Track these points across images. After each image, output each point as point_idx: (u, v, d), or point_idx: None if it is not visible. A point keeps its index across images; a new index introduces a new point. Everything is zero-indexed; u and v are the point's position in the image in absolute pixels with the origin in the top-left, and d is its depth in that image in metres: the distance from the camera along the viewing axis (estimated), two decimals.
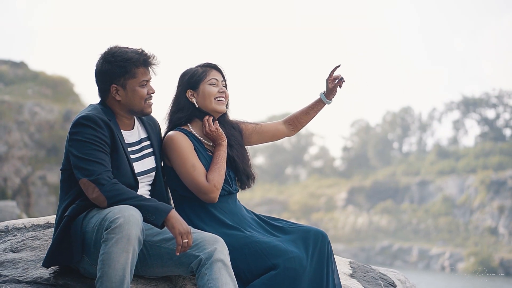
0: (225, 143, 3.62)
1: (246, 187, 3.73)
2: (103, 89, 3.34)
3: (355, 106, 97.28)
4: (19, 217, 17.47)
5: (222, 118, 3.74)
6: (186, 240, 3.05)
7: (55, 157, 23.71)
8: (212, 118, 3.65)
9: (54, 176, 23.29)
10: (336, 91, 3.82)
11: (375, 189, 50.84)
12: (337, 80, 3.81)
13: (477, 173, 45.81)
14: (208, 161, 3.58)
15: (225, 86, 3.72)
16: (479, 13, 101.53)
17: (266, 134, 3.88)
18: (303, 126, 3.93)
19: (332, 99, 3.86)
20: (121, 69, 3.28)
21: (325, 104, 3.86)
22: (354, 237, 46.83)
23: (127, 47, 3.34)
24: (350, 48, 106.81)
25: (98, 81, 3.35)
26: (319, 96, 3.87)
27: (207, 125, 3.61)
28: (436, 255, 41.37)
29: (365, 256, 42.75)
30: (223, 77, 3.72)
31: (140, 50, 3.32)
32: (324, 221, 47.84)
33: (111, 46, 3.35)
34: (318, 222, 46.92)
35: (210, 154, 3.63)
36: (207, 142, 3.65)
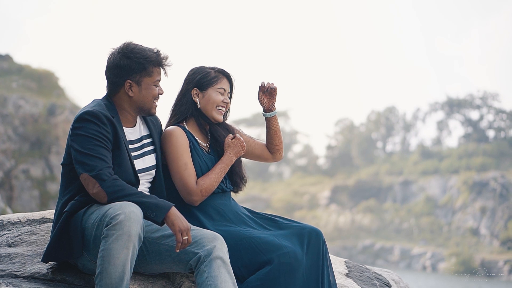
0: (234, 159, 3.63)
1: (239, 190, 3.75)
2: (116, 83, 3.34)
3: (339, 105, 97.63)
4: (3, 211, 17.35)
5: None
6: (186, 237, 3.05)
7: (38, 151, 23.57)
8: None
9: (38, 170, 23.15)
10: (263, 100, 3.75)
11: (358, 188, 51.02)
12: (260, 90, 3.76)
13: (460, 174, 46.11)
14: (202, 159, 3.58)
15: (230, 98, 3.75)
16: (464, 14, 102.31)
17: (255, 150, 3.87)
18: (278, 147, 3.84)
19: (272, 109, 3.77)
20: (139, 65, 3.30)
21: (270, 117, 3.79)
22: (337, 235, 46.95)
23: (142, 45, 3.36)
24: (341, 48, 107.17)
25: (113, 74, 3.33)
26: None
27: (238, 136, 3.64)
28: (418, 255, 41.61)
29: (347, 255, 42.86)
30: (231, 88, 3.75)
31: (156, 50, 3.35)
32: (307, 219, 47.90)
33: (128, 42, 3.36)
34: (301, 220, 46.70)
35: (207, 153, 3.63)
36: (202, 143, 3.66)
